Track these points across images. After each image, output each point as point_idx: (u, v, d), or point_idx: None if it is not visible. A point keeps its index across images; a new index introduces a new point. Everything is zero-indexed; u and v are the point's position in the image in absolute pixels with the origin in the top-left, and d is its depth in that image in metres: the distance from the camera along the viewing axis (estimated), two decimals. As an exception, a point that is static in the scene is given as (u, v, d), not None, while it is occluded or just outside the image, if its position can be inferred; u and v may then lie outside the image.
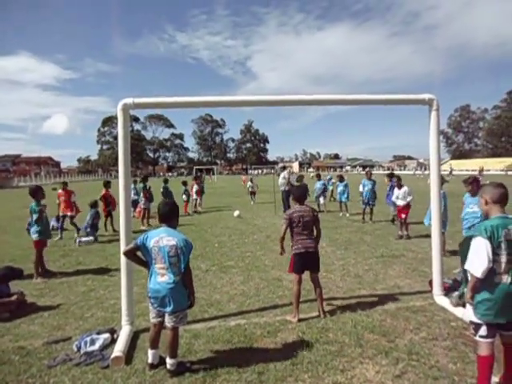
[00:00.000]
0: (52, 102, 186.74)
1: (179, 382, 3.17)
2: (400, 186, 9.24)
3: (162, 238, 3.28)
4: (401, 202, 9.10)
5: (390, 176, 11.24)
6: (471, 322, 2.89)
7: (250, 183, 20.07)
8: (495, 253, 2.67)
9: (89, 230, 9.94)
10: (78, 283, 6.07)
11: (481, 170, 42.29)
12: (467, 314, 2.92)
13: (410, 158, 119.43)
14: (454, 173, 46.71)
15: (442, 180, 6.73)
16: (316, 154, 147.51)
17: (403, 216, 8.97)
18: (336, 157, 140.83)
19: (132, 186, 13.76)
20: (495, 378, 2.92)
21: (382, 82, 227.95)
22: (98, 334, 3.98)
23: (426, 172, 61.36)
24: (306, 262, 4.51)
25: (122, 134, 4.32)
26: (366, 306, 4.72)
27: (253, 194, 19.40)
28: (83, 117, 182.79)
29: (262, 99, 4.79)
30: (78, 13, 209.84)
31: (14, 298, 4.94)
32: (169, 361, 3.31)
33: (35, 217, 6.34)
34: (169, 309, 3.25)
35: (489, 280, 2.70)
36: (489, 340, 2.77)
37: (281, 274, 6.23)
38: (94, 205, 10.44)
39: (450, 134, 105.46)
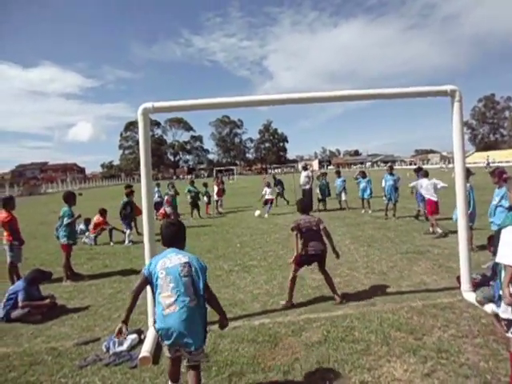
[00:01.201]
0: (75, 110, 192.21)
1: (206, 381, 3.20)
2: (426, 176, 9.10)
3: (169, 259, 2.67)
4: (434, 198, 8.84)
5: (418, 170, 10.94)
6: (503, 319, 2.79)
7: (266, 189, 15.01)
8: None
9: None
10: (106, 285, 6.22)
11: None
12: (497, 309, 2.79)
13: (432, 151, 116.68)
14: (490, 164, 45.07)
15: (469, 173, 6.67)
16: (335, 151, 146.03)
17: (429, 209, 8.76)
18: (356, 153, 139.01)
19: (156, 189, 14.02)
20: None
21: (399, 77, 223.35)
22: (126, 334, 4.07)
23: (450, 165, 59.77)
24: (313, 260, 4.96)
25: (143, 138, 4.41)
26: (392, 304, 4.65)
27: (269, 202, 14.63)
28: (105, 123, 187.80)
29: (280, 98, 4.79)
30: (95, 21, 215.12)
31: (46, 301, 5.12)
32: None
33: (66, 221, 6.55)
34: (188, 347, 2.56)
35: None
36: None
37: (304, 272, 6.18)
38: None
39: (475, 125, 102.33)
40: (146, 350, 3.64)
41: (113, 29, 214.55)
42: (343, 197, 14.43)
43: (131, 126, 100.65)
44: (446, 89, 4.67)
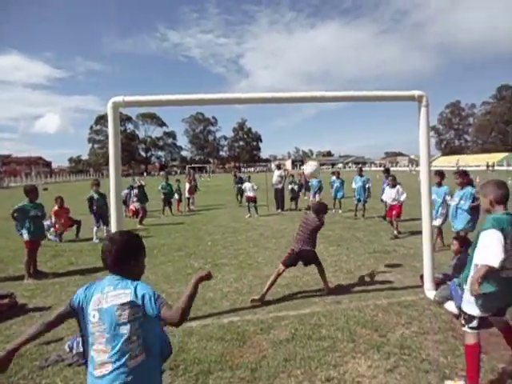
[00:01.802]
0: (42, 101, 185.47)
1: (172, 380, 3.17)
2: (394, 186, 9.25)
3: (105, 295, 1.83)
4: (393, 202, 9.12)
5: (387, 172, 11.25)
6: (464, 313, 2.93)
7: (248, 184, 13.79)
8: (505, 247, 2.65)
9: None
10: (70, 283, 6.03)
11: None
12: (452, 306, 2.91)
13: (401, 154, 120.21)
14: (446, 168, 47.11)
15: (442, 175, 7.31)
16: (308, 151, 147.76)
17: (394, 213, 9.00)
18: (329, 154, 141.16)
19: (127, 189, 13.72)
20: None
21: (373, 80, 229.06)
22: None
23: (418, 168, 61.93)
24: (299, 259, 5.13)
25: (113, 132, 4.31)
26: (359, 302, 4.77)
27: (252, 200, 13.41)
28: (74, 116, 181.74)
29: (254, 97, 4.80)
30: (66, 10, 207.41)
31: (5, 300, 4.90)
32: None
33: (27, 216, 6.30)
34: None
35: (494, 274, 2.67)
36: (477, 331, 2.85)
37: (273, 271, 6.23)
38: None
39: (441, 130, 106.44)
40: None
41: (84, 19, 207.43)
42: (317, 197, 14.60)
43: (102, 119, 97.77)
44: (414, 94, 4.83)
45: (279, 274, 5.09)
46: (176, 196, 15.37)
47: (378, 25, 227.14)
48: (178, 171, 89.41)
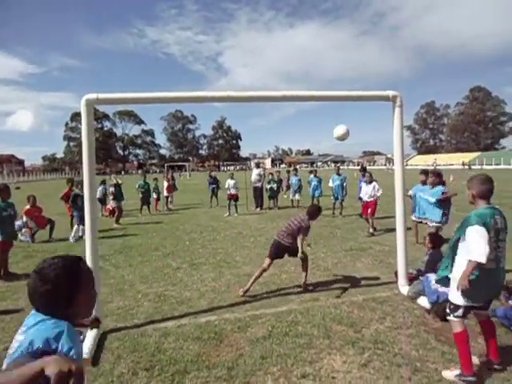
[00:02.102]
0: (15, 97, 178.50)
1: (148, 381, 3.13)
2: (370, 182, 9.41)
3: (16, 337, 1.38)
4: (369, 199, 9.29)
5: (363, 170, 11.43)
6: (450, 303, 3.06)
7: (230, 181, 13.42)
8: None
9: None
10: (43, 285, 5.85)
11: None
12: (424, 301, 3.03)
13: (379, 153, 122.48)
14: (420, 167, 48.52)
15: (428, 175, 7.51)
16: (288, 150, 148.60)
17: (369, 211, 9.17)
18: (308, 153, 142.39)
19: (101, 186, 13.44)
20: (478, 359, 3.20)
21: (352, 80, 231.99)
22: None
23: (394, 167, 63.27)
24: (281, 251, 5.19)
25: (86, 130, 4.20)
26: (335, 299, 4.84)
27: (233, 198, 13.28)
28: (48, 113, 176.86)
29: (233, 95, 4.74)
30: (41, 4, 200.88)
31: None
32: None
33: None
34: None
35: (479, 266, 2.81)
36: (461, 319, 3.00)
37: (252, 269, 6.24)
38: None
39: (417, 129, 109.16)
40: (84, 351, 3.48)
41: (60, 14, 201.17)
42: (297, 196, 14.68)
43: (78, 116, 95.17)
44: (388, 94, 4.92)
45: (264, 270, 5.10)
46: (154, 195, 15.17)
47: (358, 26, 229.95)
48: (157, 170, 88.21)
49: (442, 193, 6.63)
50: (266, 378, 3.12)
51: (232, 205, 13.25)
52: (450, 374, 3.01)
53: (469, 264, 2.82)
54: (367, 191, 9.35)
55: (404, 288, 4.96)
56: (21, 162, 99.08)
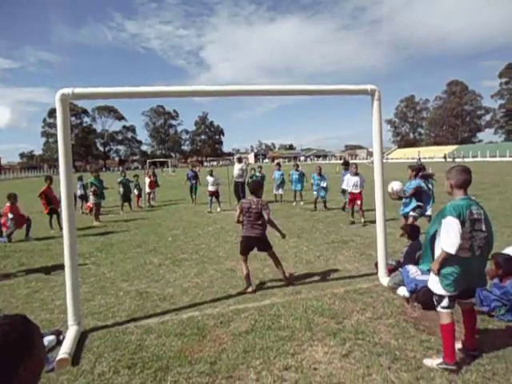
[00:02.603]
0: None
1: (130, 378, 3.10)
2: (356, 174, 9.54)
3: None
4: (356, 190, 9.41)
5: (346, 164, 11.51)
6: (434, 294, 3.13)
7: (209, 178, 13.18)
8: (463, 230, 2.89)
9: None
10: (21, 285, 5.72)
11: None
12: (404, 291, 3.11)
13: (360, 147, 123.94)
14: (401, 161, 49.35)
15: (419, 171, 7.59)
16: (271, 144, 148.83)
17: (358, 203, 9.31)
18: (291, 147, 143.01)
19: (79, 182, 13.17)
20: (457, 344, 3.23)
21: (333, 75, 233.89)
22: (42, 336, 3.78)
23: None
24: (251, 244, 5.17)
25: (62, 126, 4.12)
26: (317, 291, 4.89)
27: (214, 195, 13.11)
28: (25, 109, 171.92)
29: (214, 89, 4.69)
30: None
31: None
32: None
33: None
34: None
35: (454, 256, 2.92)
36: (449, 310, 3.07)
37: (234, 264, 6.26)
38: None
39: (397, 123, 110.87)
40: (64, 351, 3.43)
41: (36, 6, 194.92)
42: (280, 190, 14.69)
43: (55, 112, 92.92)
44: (367, 88, 4.97)
45: (245, 262, 5.19)
46: (135, 191, 14.96)
47: (338, 20, 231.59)
48: (140, 166, 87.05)
49: (415, 187, 6.96)
50: (249, 371, 3.13)
51: (214, 201, 13.10)
52: (432, 362, 3.09)
53: (441, 253, 2.97)
54: (354, 182, 9.46)
55: (384, 279, 5.06)
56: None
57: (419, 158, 50.59)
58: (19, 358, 1.15)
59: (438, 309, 3.13)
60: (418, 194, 6.99)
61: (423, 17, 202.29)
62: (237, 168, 14.01)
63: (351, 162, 11.84)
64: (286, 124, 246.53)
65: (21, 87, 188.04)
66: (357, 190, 9.43)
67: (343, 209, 11.38)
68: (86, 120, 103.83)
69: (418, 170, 7.43)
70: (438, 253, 3.07)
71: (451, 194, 3.15)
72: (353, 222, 9.35)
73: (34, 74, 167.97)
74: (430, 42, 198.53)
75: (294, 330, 3.82)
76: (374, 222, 8.81)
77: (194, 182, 15.39)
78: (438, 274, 3.02)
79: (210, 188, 13.09)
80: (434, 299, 3.19)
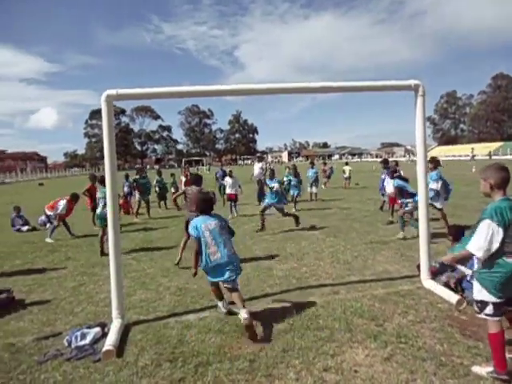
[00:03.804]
0: (38, 96, 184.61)
1: (171, 372, 3.18)
2: (393, 174, 9.21)
3: None
4: (392, 188, 9.13)
5: (385, 163, 11.18)
6: (476, 301, 2.96)
7: (228, 179, 11.64)
8: (507, 234, 2.72)
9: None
10: (68, 278, 6.02)
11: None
12: (452, 296, 3.01)
13: (397, 144, 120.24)
14: (442, 158, 47.80)
15: (437, 163, 8.08)
16: (305, 143, 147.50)
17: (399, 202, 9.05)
18: (325, 145, 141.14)
19: (126, 181, 13.63)
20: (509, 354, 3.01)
21: (368, 71, 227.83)
22: (89, 328, 3.97)
23: (414, 158, 61.96)
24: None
25: (107, 125, 4.25)
26: (356, 292, 4.79)
27: (233, 199, 11.50)
28: (70, 111, 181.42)
29: (249, 88, 4.73)
30: (57, 4, 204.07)
31: (2, 295, 4.88)
32: None
33: None
34: None
35: (498, 260, 2.77)
36: (496, 318, 2.86)
37: (271, 263, 6.27)
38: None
39: (437, 120, 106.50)
40: (109, 343, 3.57)
41: (77, 12, 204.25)
42: (314, 188, 14.55)
43: (96, 114, 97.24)
44: (410, 83, 4.79)
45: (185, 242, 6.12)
46: (172, 190, 15.32)
47: (374, 15, 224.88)
48: (176, 165, 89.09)
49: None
50: (288, 370, 3.12)
51: (233, 205, 11.61)
52: (481, 369, 2.93)
53: (465, 251, 2.90)
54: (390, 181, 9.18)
55: (427, 282, 4.88)
56: (43, 159, 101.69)
57: (473, 156, 49.00)
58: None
59: (481, 315, 2.92)
60: (401, 192, 7.85)
61: (466, 7, 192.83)
62: (257, 167, 13.70)
63: (391, 160, 11.49)
64: (319, 122, 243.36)
65: (66, 89, 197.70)
66: (392, 189, 9.14)
67: (381, 208, 11.10)
68: (125, 120, 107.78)
69: (394, 171, 8.57)
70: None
71: (489, 196, 2.93)
72: (391, 222, 9.10)
73: (77, 76, 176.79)
74: (473, 34, 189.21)
75: (333, 330, 3.77)
76: (415, 221, 8.64)
77: (222, 181, 14.55)
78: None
79: (229, 190, 11.45)
80: (475, 306, 3.01)
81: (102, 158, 4.48)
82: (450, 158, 60.01)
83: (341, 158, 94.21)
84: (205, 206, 4.44)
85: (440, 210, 7.77)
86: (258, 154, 15.26)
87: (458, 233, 5.14)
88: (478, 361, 3.11)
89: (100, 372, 3.25)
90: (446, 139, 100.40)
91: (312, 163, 15.93)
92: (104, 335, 3.87)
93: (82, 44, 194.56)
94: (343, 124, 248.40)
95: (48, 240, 9.10)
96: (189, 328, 3.99)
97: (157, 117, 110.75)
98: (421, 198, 5.04)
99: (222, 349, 3.52)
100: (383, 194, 10.62)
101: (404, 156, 74.16)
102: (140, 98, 4.67)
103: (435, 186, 7.51)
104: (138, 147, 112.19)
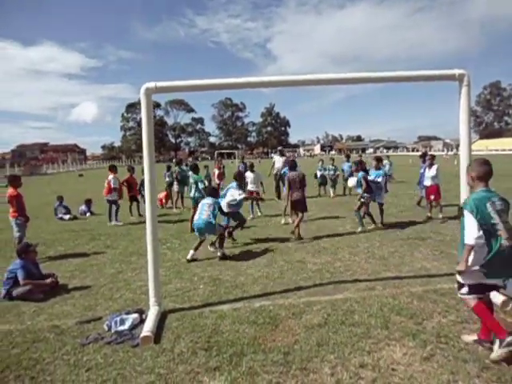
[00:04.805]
0: (78, 90, 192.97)
1: (206, 360, 3.23)
2: (431, 165, 9.01)
3: None
4: (428, 182, 8.91)
5: (423, 156, 10.86)
6: (458, 282, 3.24)
7: (250, 174, 10.09)
8: (489, 223, 3.00)
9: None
10: (107, 266, 6.25)
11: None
12: (497, 296, 2.92)
13: (435, 138, 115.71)
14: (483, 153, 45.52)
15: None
16: (338, 136, 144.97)
17: (432, 197, 8.78)
18: (358, 139, 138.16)
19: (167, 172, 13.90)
20: (473, 337, 3.35)
21: (406, 61, 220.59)
22: (128, 314, 4.11)
23: (450, 153, 59.44)
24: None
25: (146, 118, 4.33)
26: (392, 289, 4.66)
27: (256, 198, 9.76)
28: (108, 104, 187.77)
29: (284, 79, 4.68)
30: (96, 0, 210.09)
31: (48, 280, 5.14)
32: None
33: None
34: None
35: (484, 247, 3.01)
36: (472, 296, 3.16)
37: (304, 256, 6.22)
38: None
39: (479, 112, 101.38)
40: (147, 329, 3.67)
41: (114, 8, 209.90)
42: (349, 183, 14.22)
43: (132, 107, 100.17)
44: (455, 73, 4.54)
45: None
46: (205, 182, 15.49)
47: (412, 3, 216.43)
48: (209, 157, 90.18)
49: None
50: (323, 365, 3.09)
51: (255, 204, 10.41)
52: (469, 338, 3.34)
53: (466, 249, 3.03)
54: (427, 175, 8.97)
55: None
56: (82, 151, 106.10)
57: None
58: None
59: (459, 295, 3.27)
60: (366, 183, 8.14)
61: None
62: (279, 161, 13.31)
63: (429, 153, 11.10)
64: (353, 114, 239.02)
65: (104, 84, 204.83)
66: (428, 183, 8.89)
67: (418, 203, 10.73)
68: (159, 113, 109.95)
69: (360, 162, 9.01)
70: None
71: (472, 187, 3.26)
72: (429, 218, 8.78)
73: (115, 71, 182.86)
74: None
75: (370, 327, 3.68)
76: (454, 218, 8.30)
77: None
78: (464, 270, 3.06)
79: (250, 187, 10.06)
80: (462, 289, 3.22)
81: (138, 150, 4.62)
82: (493, 152, 57.03)
83: (375, 152, 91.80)
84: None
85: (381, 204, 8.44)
86: (279, 148, 14.53)
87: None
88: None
89: (138, 357, 3.36)
90: (489, 132, 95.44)
91: (348, 156, 15.66)
92: (142, 321, 3.99)
93: (120, 39, 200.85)
94: (378, 117, 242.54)
95: (113, 223, 9.92)
96: (223, 318, 4.04)
97: (190, 110, 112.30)
98: (463, 194, 4.79)
99: (256, 340, 3.53)
100: (422, 189, 10.27)
101: (442, 150, 71.24)
102: (178, 90, 4.72)
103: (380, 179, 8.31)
104: (172, 140, 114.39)
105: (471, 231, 2.99)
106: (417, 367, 3.00)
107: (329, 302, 4.31)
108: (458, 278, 3.21)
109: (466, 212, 3.06)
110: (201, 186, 8.69)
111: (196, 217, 6.54)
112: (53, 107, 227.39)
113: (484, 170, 3.16)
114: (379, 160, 9.00)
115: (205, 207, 6.49)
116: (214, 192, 7.14)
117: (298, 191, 7.51)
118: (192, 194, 8.82)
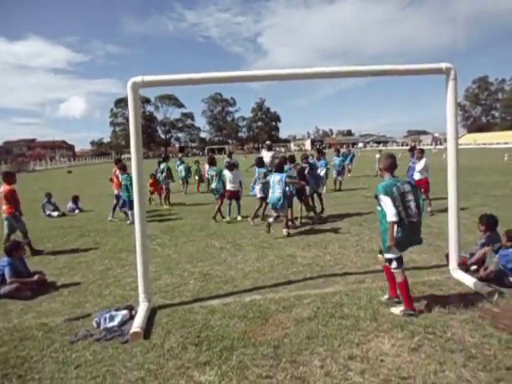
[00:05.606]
0: (65, 85, 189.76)
1: (197, 355, 3.23)
2: (420, 159, 9.06)
3: None
4: (417, 176, 8.95)
5: (412, 150, 10.94)
6: (386, 260, 3.80)
7: (227, 173, 9.20)
8: (396, 204, 3.54)
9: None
10: (96, 262, 6.20)
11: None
12: (484, 287, 2.98)
13: (424, 132, 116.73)
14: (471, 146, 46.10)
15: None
16: (329, 131, 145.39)
17: (422, 191, 8.83)
18: (349, 133, 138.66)
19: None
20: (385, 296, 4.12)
21: (396, 56, 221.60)
22: (117, 310, 4.08)
23: (439, 147, 60.02)
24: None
25: (133, 113, 4.28)
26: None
27: (234, 197, 9.26)
28: (96, 99, 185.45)
29: (273, 73, 4.64)
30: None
31: (35, 277, 5.08)
32: None
33: None
34: None
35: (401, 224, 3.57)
36: (401, 268, 3.76)
37: (295, 250, 6.24)
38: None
39: (468, 106, 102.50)
40: (137, 325, 3.66)
41: (102, 2, 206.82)
42: (339, 177, 14.29)
43: (121, 102, 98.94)
44: (442, 66, 4.59)
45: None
46: (196, 177, 15.48)
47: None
48: (200, 152, 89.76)
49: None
50: (313, 357, 3.11)
51: (233, 205, 9.43)
52: (396, 310, 3.81)
53: (390, 225, 3.56)
54: (416, 169, 9.01)
55: (455, 272, 4.74)
56: (71, 148, 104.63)
57: None
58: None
59: (392, 270, 3.79)
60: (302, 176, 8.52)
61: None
62: (268, 156, 13.01)
63: (418, 147, 11.18)
64: (344, 109, 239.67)
65: (92, 79, 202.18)
66: (417, 177, 8.94)
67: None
68: (149, 109, 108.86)
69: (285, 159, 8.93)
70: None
71: (382, 177, 3.87)
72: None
73: (103, 66, 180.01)
74: (504, 18, 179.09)
75: (359, 319, 3.72)
76: (442, 211, 8.39)
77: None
78: (396, 246, 3.61)
79: (229, 187, 9.17)
80: (385, 262, 3.90)
81: (127, 146, 4.54)
82: (481, 145, 57.80)
83: (365, 146, 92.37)
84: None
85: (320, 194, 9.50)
86: (268, 142, 13.81)
87: (491, 222, 4.97)
88: (511, 354, 3.01)
89: (128, 353, 3.34)
90: (477, 126, 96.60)
91: (337, 151, 15.70)
92: (131, 318, 3.97)
93: (107, 34, 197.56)
94: (368, 111, 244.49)
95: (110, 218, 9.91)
96: (213, 313, 4.04)
97: (180, 105, 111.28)
98: (450, 186, 4.85)
99: (246, 334, 3.54)
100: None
101: (431, 144, 71.96)
102: (165, 84, 4.67)
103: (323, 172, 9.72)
104: (162, 135, 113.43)
105: (390, 209, 3.53)
106: (405, 358, 3.05)
107: (319, 296, 4.34)
108: (387, 255, 3.76)
109: (381, 196, 3.60)
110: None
111: (270, 194, 7.42)
112: (40, 103, 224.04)
113: (389, 163, 3.79)
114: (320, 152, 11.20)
115: (276, 185, 7.22)
116: (280, 167, 7.70)
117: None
118: (214, 186, 9.29)
